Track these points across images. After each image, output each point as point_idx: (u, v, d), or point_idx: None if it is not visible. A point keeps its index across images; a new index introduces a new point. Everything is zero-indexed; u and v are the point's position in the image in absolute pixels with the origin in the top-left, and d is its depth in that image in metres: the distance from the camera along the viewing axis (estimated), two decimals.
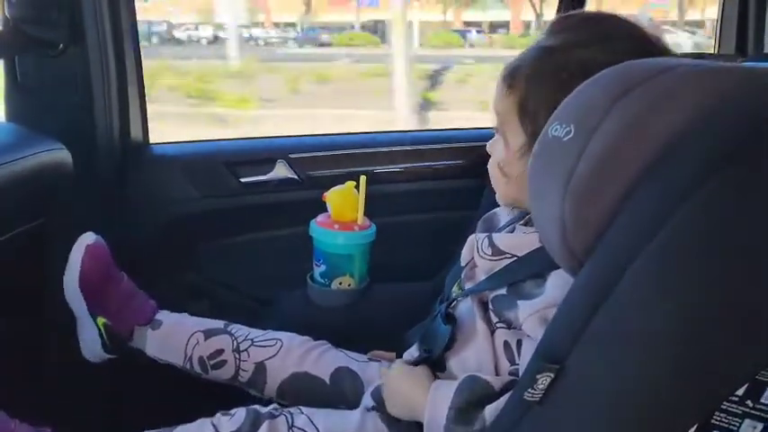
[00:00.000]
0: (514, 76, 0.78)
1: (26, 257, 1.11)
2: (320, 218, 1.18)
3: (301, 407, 0.87)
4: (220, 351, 1.01)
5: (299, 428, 0.84)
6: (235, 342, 1.01)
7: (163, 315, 1.07)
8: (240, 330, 1.04)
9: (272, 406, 0.88)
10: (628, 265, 0.45)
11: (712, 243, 0.43)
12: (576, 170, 0.48)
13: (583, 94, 0.53)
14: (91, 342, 1.06)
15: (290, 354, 1.00)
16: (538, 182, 0.54)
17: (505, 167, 0.82)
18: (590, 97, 0.52)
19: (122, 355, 1.07)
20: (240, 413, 0.85)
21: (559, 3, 1.46)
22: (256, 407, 0.88)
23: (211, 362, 1.01)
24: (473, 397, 0.72)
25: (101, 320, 1.03)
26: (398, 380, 0.83)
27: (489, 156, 0.86)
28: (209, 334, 1.02)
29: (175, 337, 1.03)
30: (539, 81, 0.75)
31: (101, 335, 1.04)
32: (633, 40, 0.73)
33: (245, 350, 1.00)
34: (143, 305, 1.07)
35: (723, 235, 0.43)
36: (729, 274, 0.42)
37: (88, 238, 1.03)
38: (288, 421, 0.84)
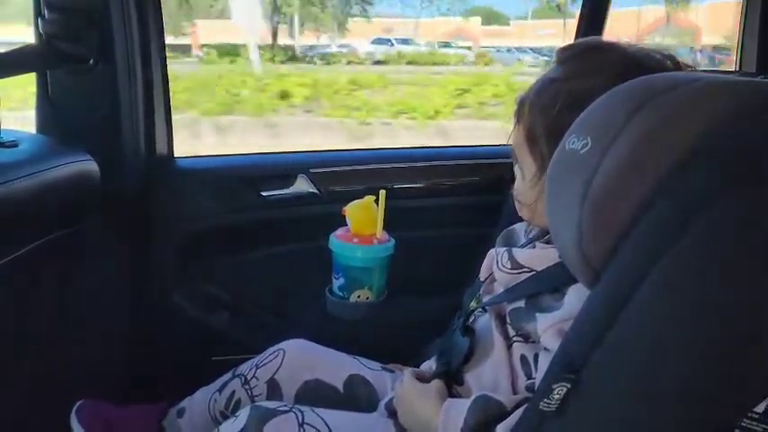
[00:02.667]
0: (522, 108, 0.81)
1: (54, 265, 1.14)
2: (339, 231, 1.19)
3: (314, 408, 0.87)
4: (232, 394, 1.01)
5: (310, 425, 0.83)
6: (242, 378, 1.02)
7: (185, 401, 1.07)
8: (245, 365, 1.04)
9: (281, 403, 0.88)
10: (643, 278, 0.45)
11: (724, 259, 0.43)
12: (594, 182, 0.49)
13: (599, 108, 0.53)
14: None
15: (297, 359, 1.00)
16: (555, 193, 0.55)
17: (519, 196, 0.84)
18: (607, 111, 0.52)
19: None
20: (243, 414, 0.84)
21: (578, 29, 1.47)
22: (262, 403, 0.88)
23: (228, 409, 1.01)
24: (486, 417, 0.72)
25: None
26: (410, 397, 0.83)
27: (508, 172, 0.88)
28: (221, 387, 1.03)
29: (199, 409, 1.04)
30: (539, 111, 0.77)
31: None
32: (625, 66, 0.73)
33: (253, 377, 1.00)
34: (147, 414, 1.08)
35: (735, 251, 0.43)
36: (741, 287, 0.42)
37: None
38: (298, 418, 0.84)
